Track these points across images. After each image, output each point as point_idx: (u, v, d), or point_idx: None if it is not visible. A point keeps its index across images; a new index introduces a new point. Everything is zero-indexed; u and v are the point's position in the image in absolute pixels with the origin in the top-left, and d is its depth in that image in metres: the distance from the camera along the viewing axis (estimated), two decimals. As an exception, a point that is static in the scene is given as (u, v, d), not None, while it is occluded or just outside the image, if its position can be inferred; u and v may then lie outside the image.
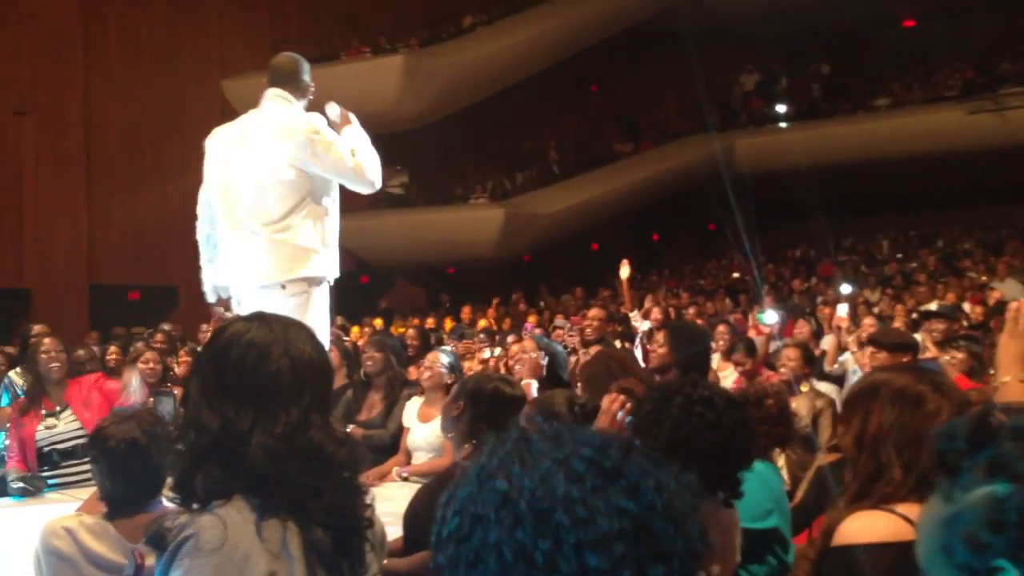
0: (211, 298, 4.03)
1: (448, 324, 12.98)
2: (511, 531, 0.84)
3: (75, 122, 13.88)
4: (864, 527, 1.79)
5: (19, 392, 5.16)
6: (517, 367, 4.61)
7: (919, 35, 21.24)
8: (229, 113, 3.93)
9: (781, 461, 5.17)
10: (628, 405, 2.30)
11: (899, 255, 17.76)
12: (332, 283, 3.87)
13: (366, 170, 3.76)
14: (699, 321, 9.53)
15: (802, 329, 8.04)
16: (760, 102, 20.86)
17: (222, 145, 3.81)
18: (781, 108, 20.42)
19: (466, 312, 13.47)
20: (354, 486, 1.63)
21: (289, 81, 3.87)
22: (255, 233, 3.63)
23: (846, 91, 20.18)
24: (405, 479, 4.48)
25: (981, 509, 0.98)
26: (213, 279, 3.91)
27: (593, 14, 17.60)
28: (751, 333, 8.33)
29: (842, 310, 9.01)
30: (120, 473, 2.42)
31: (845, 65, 20.60)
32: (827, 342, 7.89)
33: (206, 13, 15.45)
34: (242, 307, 3.78)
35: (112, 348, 7.09)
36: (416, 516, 2.96)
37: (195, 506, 1.52)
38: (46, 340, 4.56)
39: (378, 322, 12.05)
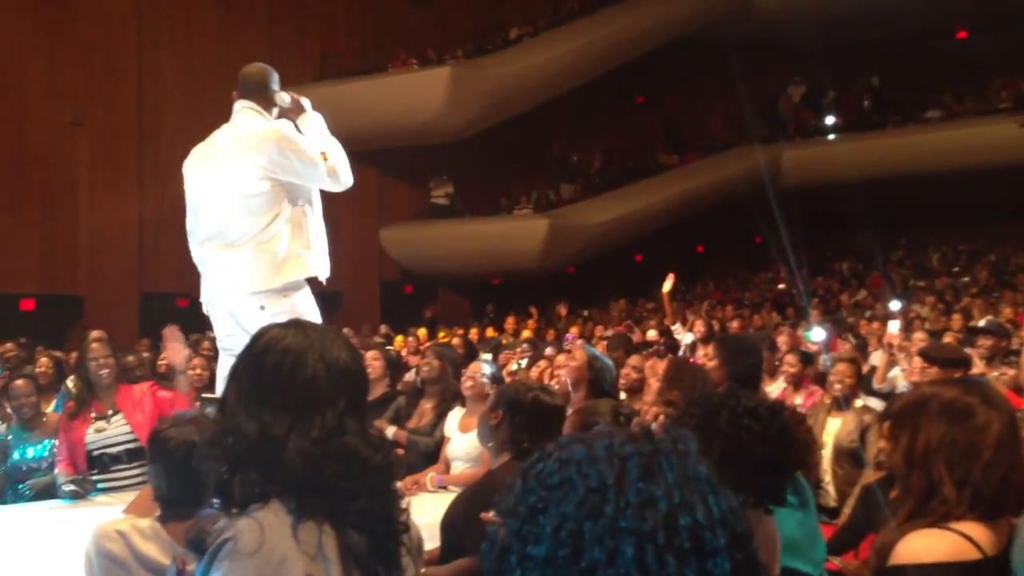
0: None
1: (493, 334, 12.99)
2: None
3: (129, 133, 14.17)
4: (922, 547, 1.75)
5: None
6: (562, 375, 4.58)
7: (971, 47, 20.87)
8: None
9: (828, 479, 5.10)
10: (661, 418, 2.29)
11: (954, 269, 17.45)
12: (324, 282, 3.81)
13: (339, 171, 3.75)
14: (749, 334, 9.42)
15: (843, 348, 7.88)
16: (808, 114, 20.64)
17: (197, 164, 3.79)
18: (830, 120, 20.18)
19: (510, 322, 13.47)
20: (389, 491, 1.63)
21: (258, 92, 3.81)
22: (234, 246, 3.61)
23: (896, 103, 19.89)
24: (443, 488, 4.47)
25: None
26: (202, 296, 3.89)
27: (639, 26, 17.57)
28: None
29: (893, 326, 8.86)
30: (176, 475, 2.44)
31: (895, 77, 20.30)
32: (876, 358, 7.75)
33: (258, 27, 15.70)
34: (220, 322, 3.74)
35: (164, 355, 7.17)
36: (453, 524, 2.96)
37: (233, 510, 1.54)
38: (94, 345, 4.60)
39: (422, 332, 12.09)
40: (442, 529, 3.03)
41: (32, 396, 4.99)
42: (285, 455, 1.53)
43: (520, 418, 3.03)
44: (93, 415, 4.45)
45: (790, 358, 6.16)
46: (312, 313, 3.69)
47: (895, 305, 10.90)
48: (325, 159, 3.70)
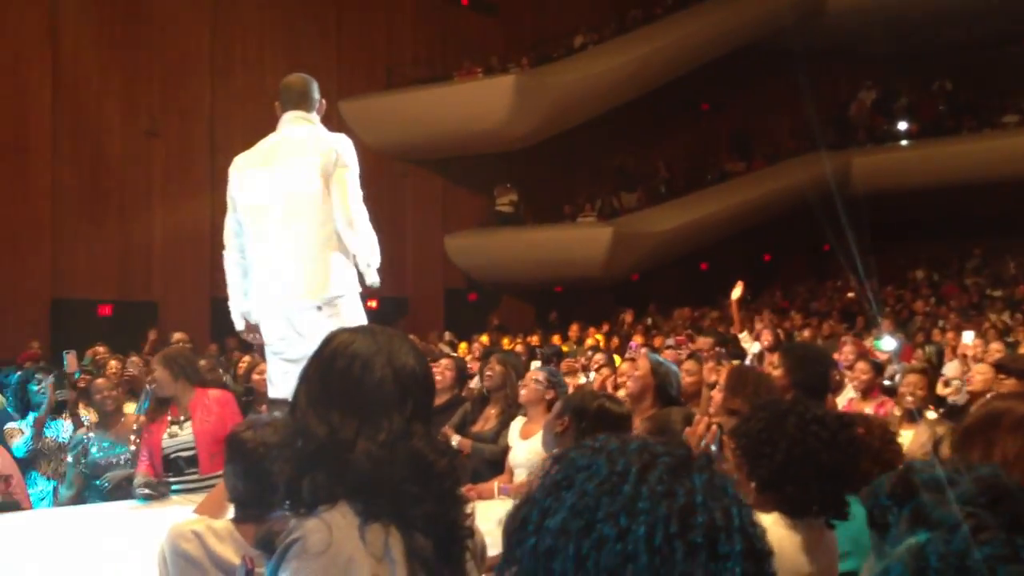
0: (239, 325, 4.02)
1: (558, 342, 12.97)
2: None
3: (201, 144, 14.52)
4: None
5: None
6: (628, 383, 4.56)
7: (1050, 50, 20.25)
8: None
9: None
10: (713, 429, 2.28)
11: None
12: (368, 286, 3.81)
13: (357, 225, 3.68)
14: (818, 343, 9.26)
15: (921, 361, 7.65)
16: (880, 119, 20.24)
17: (247, 170, 3.82)
18: (902, 125, 19.76)
19: (573, 330, 13.45)
20: (455, 495, 1.65)
21: (304, 101, 3.86)
22: (291, 251, 3.65)
23: (972, 108, 19.38)
24: (508, 496, 4.47)
25: (906, 559, 0.98)
26: (242, 306, 3.92)
27: (705, 34, 17.43)
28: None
29: (967, 337, 8.64)
30: (252, 476, 2.48)
31: (971, 81, 19.80)
32: (951, 369, 7.56)
33: (326, 39, 15.98)
34: (273, 327, 3.78)
35: (246, 358, 7.30)
36: (516, 529, 2.96)
37: (302, 510, 1.57)
38: (176, 335, 4.72)
39: (484, 339, 12.13)
40: (504, 535, 3.03)
41: (113, 391, 5.15)
42: (353, 458, 1.56)
43: (586, 425, 3.03)
44: (169, 418, 4.56)
45: (861, 366, 6.04)
46: (361, 317, 3.72)
47: (969, 315, 10.61)
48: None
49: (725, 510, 0.87)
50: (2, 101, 12.81)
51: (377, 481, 1.55)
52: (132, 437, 4.83)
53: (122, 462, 4.79)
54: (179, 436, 4.48)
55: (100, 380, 5.39)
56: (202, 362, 6.17)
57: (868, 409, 5.64)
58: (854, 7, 18.49)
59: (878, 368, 6.19)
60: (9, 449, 4.92)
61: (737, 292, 9.06)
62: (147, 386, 5.56)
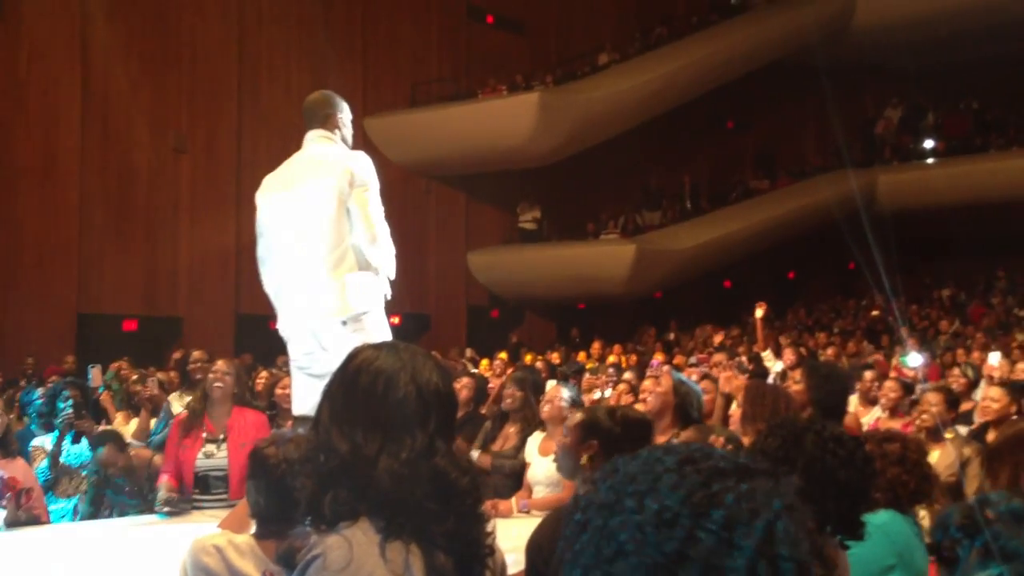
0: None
1: (583, 359, 12.96)
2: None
3: (228, 160, 14.66)
4: None
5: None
6: (649, 399, 4.54)
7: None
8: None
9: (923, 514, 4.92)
10: (729, 448, 2.28)
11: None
12: (386, 299, 3.83)
13: (379, 241, 3.73)
14: (843, 361, 9.18)
15: (957, 380, 7.45)
16: (906, 137, 20.12)
17: (269, 194, 3.87)
18: (928, 143, 19.63)
19: (596, 347, 13.41)
20: (476, 513, 1.65)
21: (327, 120, 3.88)
22: (311, 272, 3.68)
23: (999, 125, 19.23)
24: (527, 512, 4.46)
25: None
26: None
27: (730, 52, 17.43)
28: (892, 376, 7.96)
29: (993, 358, 8.53)
30: (274, 492, 2.50)
31: (997, 99, 19.65)
32: (980, 390, 7.45)
33: (351, 57, 16.12)
34: (299, 343, 3.81)
35: (263, 372, 7.30)
36: (539, 547, 2.95)
37: (323, 527, 1.57)
38: (219, 361, 4.73)
39: (503, 355, 12.12)
40: (527, 552, 3.03)
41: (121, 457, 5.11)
42: (375, 474, 1.56)
43: (616, 443, 3.01)
44: (204, 435, 4.54)
45: (890, 384, 6.00)
46: (386, 333, 3.75)
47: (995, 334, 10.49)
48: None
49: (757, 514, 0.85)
50: (32, 119, 13.00)
51: (399, 498, 1.55)
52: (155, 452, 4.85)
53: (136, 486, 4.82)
54: (215, 456, 4.47)
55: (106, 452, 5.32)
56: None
57: (896, 427, 5.59)
58: (880, 24, 18.43)
59: (907, 387, 6.14)
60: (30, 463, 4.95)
61: (760, 312, 9.02)
62: (165, 403, 5.60)
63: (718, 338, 13.31)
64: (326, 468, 1.60)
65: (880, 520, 2.78)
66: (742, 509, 0.83)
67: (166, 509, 4.28)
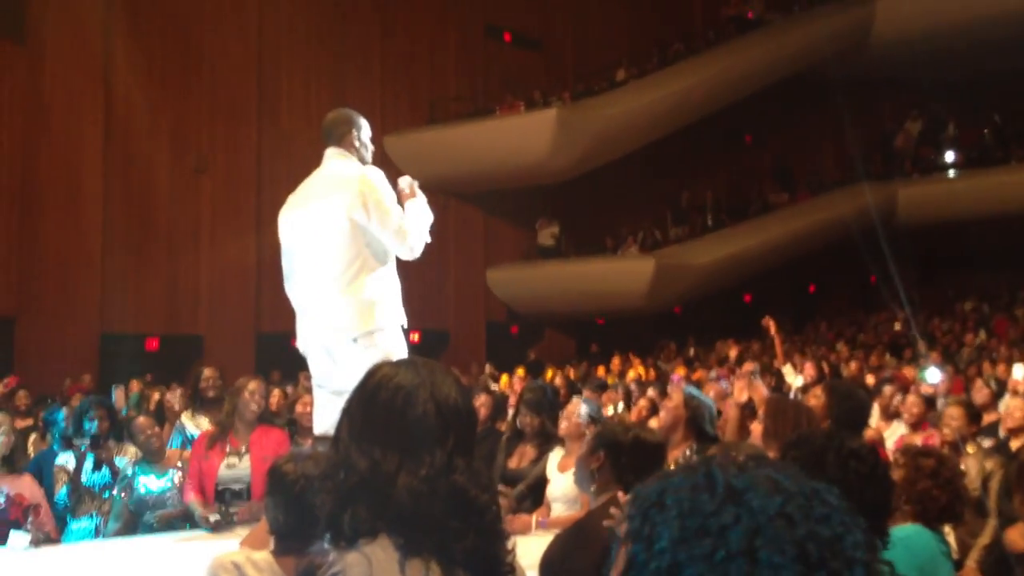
0: None
1: (602, 374, 12.93)
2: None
3: (248, 180, 14.78)
4: None
5: (189, 436, 5.43)
6: (661, 415, 4.53)
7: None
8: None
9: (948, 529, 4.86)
10: None
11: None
12: (404, 327, 3.85)
13: (408, 235, 3.77)
14: (868, 376, 9.09)
15: (981, 393, 7.35)
16: (926, 150, 20.02)
17: (287, 213, 3.92)
18: (949, 156, 19.52)
19: (615, 363, 13.38)
20: (496, 530, 1.64)
21: (342, 139, 3.91)
22: (324, 290, 3.71)
23: (1019, 138, 19.09)
24: (545, 529, 4.43)
25: None
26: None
27: (747, 67, 17.42)
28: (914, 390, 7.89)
29: (1018, 371, 8.44)
30: (292, 509, 2.51)
31: (1017, 111, 19.52)
32: (1006, 404, 7.37)
33: (370, 75, 16.24)
34: (316, 361, 3.84)
35: (276, 391, 7.34)
36: (551, 564, 2.95)
37: (342, 543, 1.58)
38: (252, 383, 4.78)
39: (520, 372, 12.11)
40: (541, 569, 3.02)
41: (156, 428, 5.21)
42: (394, 491, 1.56)
43: (624, 459, 3.00)
44: (228, 449, 4.59)
45: (912, 399, 5.96)
46: (402, 350, 3.76)
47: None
48: (401, 217, 3.77)
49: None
50: (56, 141, 13.16)
51: (418, 516, 1.55)
52: (177, 472, 4.87)
53: (169, 497, 4.83)
54: (237, 467, 4.53)
55: (141, 419, 5.43)
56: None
57: (917, 441, 5.55)
58: (898, 37, 18.37)
59: (929, 401, 6.10)
60: (42, 483, 4.96)
61: (772, 327, 8.96)
62: (178, 421, 5.62)
63: (732, 352, 13.23)
64: (345, 485, 1.60)
65: (904, 534, 2.76)
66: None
67: (214, 519, 4.30)
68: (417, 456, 1.59)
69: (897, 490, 3.00)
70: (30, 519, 4.24)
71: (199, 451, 4.65)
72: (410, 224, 3.79)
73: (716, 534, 0.83)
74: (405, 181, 3.97)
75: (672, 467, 3.10)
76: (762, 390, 5.88)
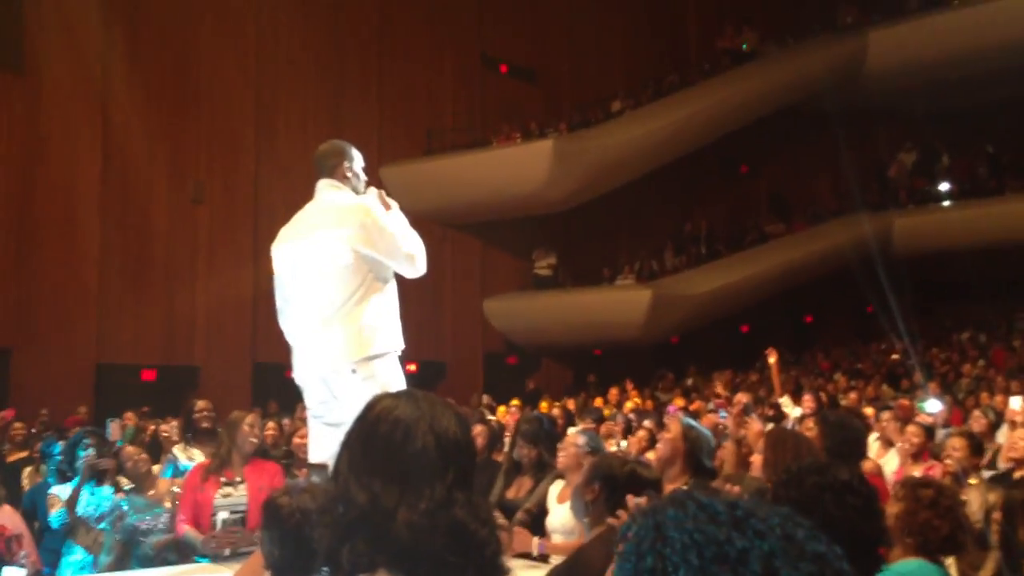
0: None
1: (600, 404, 12.88)
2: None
3: (245, 209, 14.80)
4: None
5: (181, 468, 5.41)
6: (659, 447, 4.50)
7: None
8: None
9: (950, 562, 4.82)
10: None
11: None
12: (399, 353, 3.85)
13: (416, 257, 3.84)
14: (866, 408, 9.06)
15: (979, 423, 7.37)
16: (921, 180, 20.11)
17: (281, 245, 3.92)
18: (943, 186, 19.61)
19: (613, 393, 13.35)
20: (496, 565, 1.62)
21: (334, 171, 3.92)
22: (323, 321, 3.71)
23: (1014, 168, 19.19)
24: (543, 557, 4.38)
25: None
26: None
27: (742, 97, 17.54)
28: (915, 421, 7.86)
29: (1015, 402, 8.43)
30: (288, 542, 2.49)
31: (1012, 142, 19.65)
32: (1002, 435, 7.36)
33: (367, 105, 16.32)
34: (312, 391, 3.84)
35: (270, 424, 7.31)
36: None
37: (342, 578, 1.56)
38: (249, 417, 4.82)
39: (515, 402, 12.08)
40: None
41: (143, 454, 5.20)
42: (394, 526, 1.55)
43: (620, 493, 2.98)
44: (223, 480, 4.60)
45: (912, 429, 5.93)
46: (399, 380, 3.75)
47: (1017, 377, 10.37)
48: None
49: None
50: (53, 171, 13.19)
51: (418, 550, 1.54)
52: (169, 500, 4.85)
53: (160, 525, 4.80)
54: (232, 496, 4.54)
55: (128, 448, 5.43)
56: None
57: (917, 472, 5.52)
58: (892, 69, 18.52)
59: (929, 432, 6.07)
60: (36, 515, 4.93)
61: (772, 359, 8.94)
62: (170, 452, 5.60)
63: (719, 387, 13.15)
64: (344, 519, 1.59)
65: (907, 569, 2.73)
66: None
67: (212, 546, 4.27)
68: (417, 490, 1.58)
69: (898, 523, 2.97)
70: (24, 552, 4.19)
71: (194, 482, 4.65)
72: (413, 245, 3.82)
73: (736, 560, 0.85)
74: (372, 193, 3.96)
75: None
76: (756, 425, 5.85)
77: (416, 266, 3.84)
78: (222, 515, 4.49)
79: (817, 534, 0.90)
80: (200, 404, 5.76)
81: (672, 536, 0.88)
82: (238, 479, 4.60)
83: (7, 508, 4.59)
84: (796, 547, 0.87)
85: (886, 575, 2.28)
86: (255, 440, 4.74)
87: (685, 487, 4.20)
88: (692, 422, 4.64)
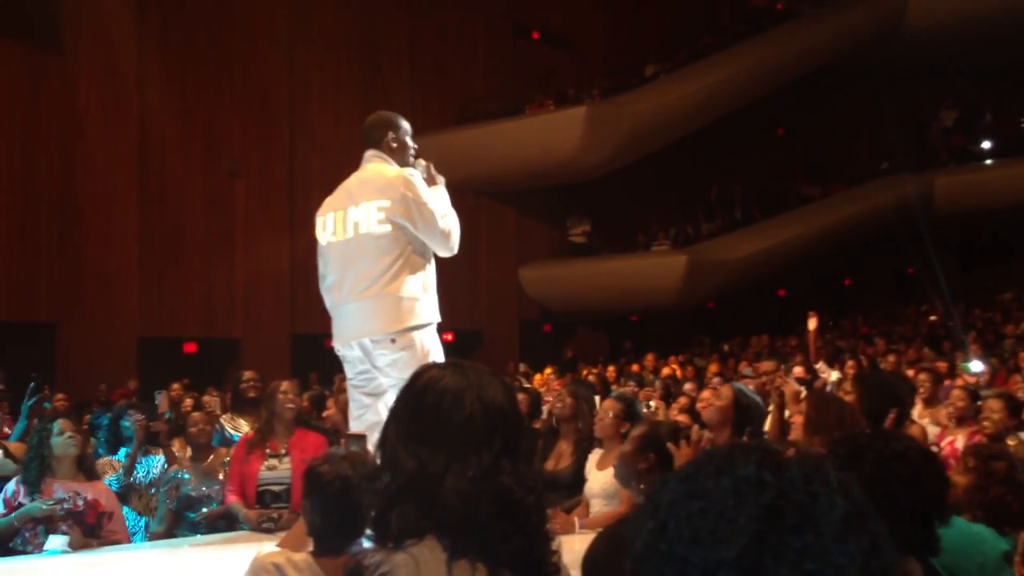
0: None
1: (637, 370, 12.86)
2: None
3: (281, 184, 14.90)
4: None
5: (230, 436, 5.50)
6: (708, 411, 4.47)
7: None
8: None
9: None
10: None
11: None
12: (438, 322, 3.88)
13: (452, 236, 3.87)
14: (908, 370, 8.96)
15: (1021, 387, 7.27)
16: (961, 139, 19.70)
17: (326, 214, 3.96)
18: (986, 144, 19.21)
19: (649, 360, 13.33)
20: (542, 532, 1.64)
21: (380, 141, 3.96)
22: (363, 290, 3.74)
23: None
24: (586, 530, 4.41)
25: None
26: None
27: (778, 58, 17.24)
28: (957, 383, 7.78)
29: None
30: (330, 510, 2.53)
31: (1055, 97, 19.17)
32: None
33: (399, 77, 16.29)
34: (352, 361, 3.88)
35: (306, 395, 7.38)
36: (594, 562, 2.93)
37: (389, 544, 1.59)
38: (285, 383, 4.87)
39: (548, 370, 12.09)
40: (583, 567, 3.01)
41: (207, 426, 5.30)
42: (441, 493, 1.57)
43: (671, 460, 2.99)
44: (268, 452, 4.65)
45: (957, 393, 5.86)
46: (438, 351, 3.78)
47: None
48: (443, 218, 3.85)
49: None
50: (92, 149, 13.34)
51: (465, 517, 1.56)
52: (221, 470, 4.94)
53: (213, 495, 4.90)
54: (277, 469, 4.60)
55: (196, 413, 5.54)
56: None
57: (961, 436, 5.47)
58: (934, 24, 18.07)
59: (973, 395, 5.99)
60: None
61: (812, 323, 8.87)
62: (217, 423, 5.70)
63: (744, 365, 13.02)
64: (393, 485, 1.61)
65: (976, 531, 2.67)
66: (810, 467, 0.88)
67: (267, 524, 4.35)
68: (464, 458, 1.60)
69: (967, 496, 2.88)
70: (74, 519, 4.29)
71: (240, 455, 4.72)
72: (450, 223, 3.85)
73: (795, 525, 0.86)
74: (421, 166, 3.99)
75: None
76: (793, 386, 5.81)
77: (450, 245, 3.87)
78: (266, 489, 4.55)
79: (873, 511, 0.90)
80: (247, 374, 5.87)
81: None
82: (283, 451, 4.64)
83: (101, 484, 4.70)
84: (858, 519, 0.86)
85: (953, 531, 2.22)
86: (292, 406, 4.78)
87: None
88: (744, 388, 4.60)
